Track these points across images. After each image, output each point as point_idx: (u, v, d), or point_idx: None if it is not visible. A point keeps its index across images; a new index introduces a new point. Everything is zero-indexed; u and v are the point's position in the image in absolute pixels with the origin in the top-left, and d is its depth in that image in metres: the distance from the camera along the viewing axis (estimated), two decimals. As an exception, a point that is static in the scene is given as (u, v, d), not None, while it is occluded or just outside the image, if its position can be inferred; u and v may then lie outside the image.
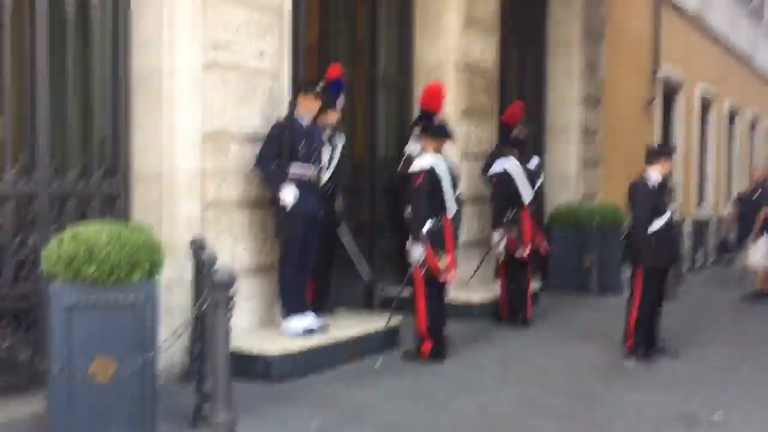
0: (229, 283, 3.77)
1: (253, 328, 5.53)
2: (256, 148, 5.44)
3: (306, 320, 5.56)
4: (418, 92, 7.19)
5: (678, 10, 14.29)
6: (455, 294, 7.37)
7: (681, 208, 13.38)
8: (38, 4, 4.59)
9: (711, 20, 16.08)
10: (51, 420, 3.77)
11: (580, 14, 10.35)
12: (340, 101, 6.36)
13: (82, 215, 4.80)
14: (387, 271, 7.66)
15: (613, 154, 11.30)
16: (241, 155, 5.43)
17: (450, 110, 7.38)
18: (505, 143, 7.78)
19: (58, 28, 4.75)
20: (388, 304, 6.57)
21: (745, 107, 19.20)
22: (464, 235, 7.77)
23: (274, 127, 5.45)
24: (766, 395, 5.30)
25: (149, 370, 3.88)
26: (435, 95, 6.13)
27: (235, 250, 5.38)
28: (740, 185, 18.65)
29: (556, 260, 9.20)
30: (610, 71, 11.26)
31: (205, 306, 3.88)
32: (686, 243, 11.47)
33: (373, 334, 5.94)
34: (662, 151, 6.50)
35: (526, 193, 7.36)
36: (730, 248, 11.58)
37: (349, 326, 5.94)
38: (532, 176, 7.50)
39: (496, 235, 7.41)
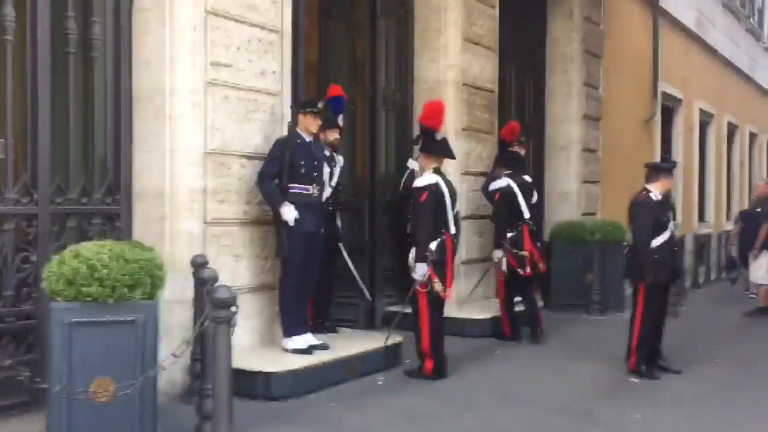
0: (230, 301, 3.78)
1: (254, 346, 5.52)
2: (257, 167, 5.47)
3: (306, 339, 5.56)
4: (418, 110, 7.23)
5: (677, 27, 14.40)
6: (456, 312, 7.37)
7: (682, 225, 13.39)
8: (40, 23, 4.64)
9: (710, 38, 16.20)
10: (51, 439, 3.76)
11: (578, 32, 10.44)
12: (341, 120, 6.41)
13: (84, 234, 4.82)
14: (387, 289, 7.66)
15: (613, 171, 11.33)
16: (242, 174, 5.46)
17: (449, 128, 7.43)
18: (500, 160, 7.82)
19: (59, 48, 4.79)
20: (389, 323, 6.57)
21: (744, 124, 19.28)
22: (464, 253, 7.78)
23: (275, 146, 5.49)
24: (769, 413, 5.29)
25: (150, 389, 3.88)
26: (435, 113, 6.17)
27: (236, 268, 5.39)
28: (740, 201, 18.69)
29: (557, 277, 9.19)
30: (609, 89, 11.33)
31: (206, 324, 3.88)
32: (688, 259, 11.47)
33: (374, 352, 5.93)
34: (662, 167, 6.53)
35: (526, 210, 7.41)
36: (737, 265, 11.59)
37: (349, 345, 5.93)
38: (528, 193, 7.53)
39: (498, 253, 7.42)
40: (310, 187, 5.53)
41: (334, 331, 6.33)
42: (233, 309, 3.78)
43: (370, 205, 7.63)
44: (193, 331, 4.26)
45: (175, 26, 5.08)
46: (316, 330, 5.90)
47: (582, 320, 8.75)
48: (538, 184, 10.02)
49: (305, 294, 5.65)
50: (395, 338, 6.15)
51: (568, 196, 10.43)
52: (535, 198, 7.74)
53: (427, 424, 4.79)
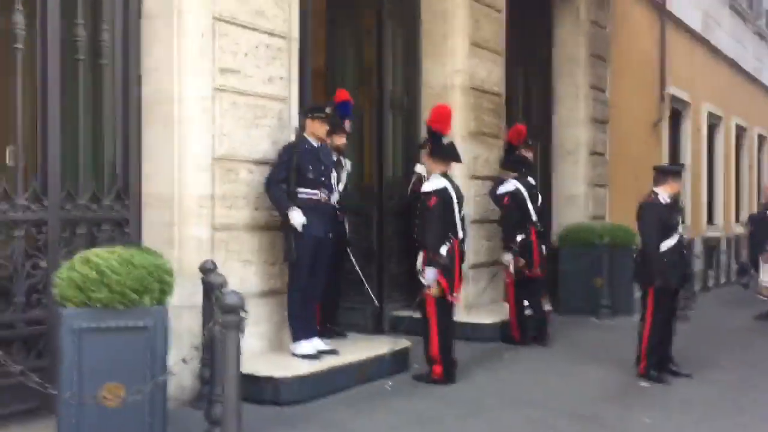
0: (238, 306, 3.78)
1: (263, 351, 5.53)
2: (266, 172, 5.48)
3: (314, 344, 5.56)
4: (425, 114, 7.24)
5: (684, 30, 14.36)
6: (465, 316, 7.36)
7: (691, 228, 13.34)
8: (50, 31, 4.67)
9: (717, 40, 16.15)
10: (61, 445, 3.77)
11: (585, 35, 10.43)
12: (348, 124, 6.42)
13: (93, 240, 4.84)
14: (395, 294, 7.66)
15: (621, 174, 11.31)
16: (251, 179, 5.47)
17: (456, 132, 7.43)
18: (506, 163, 7.82)
19: (69, 55, 4.82)
20: (397, 328, 6.57)
21: (752, 126, 19.20)
22: (472, 257, 7.78)
23: (282, 151, 5.51)
24: (780, 417, 5.26)
25: (159, 395, 3.89)
26: (443, 117, 6.17)
27: (245, 274, 5.40)
28: (749, 204, 18.59)
29: (565, 281, 9.17)
30: (616, 92, 11.31)
31: (215, 330, 3.89)
32: (697, 262, 11.42)
33: (383, 357, 5.92)
34: (670, 170, 6.52)
35: (533, 212, 7.42)
36: (748, 270, 11.55)
37: (358, 350, 5.93)
38: (534, 195, 7.54)
39: (506, 257, 7.42)
40: (318, 191, 5.54)
41: (343, 336, 6.33)
42: (242, 314, 3.78)
43: (378, 210, 7.64)
44: (202, 336, 4.26)
45: (182, 33, 5.11)
46: (324, 335, 5.91)
47: (591, 324, 8.72)
48: (546, 187, 10.04)
49: (313, 299, 5.66)
50: (404, 342, 6.14)
51: (576, 199, 10.40)
52: (540, 201, 7.75)
53: (434, 428, 4.78)
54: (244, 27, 5.44)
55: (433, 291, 5.70)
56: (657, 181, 6.20)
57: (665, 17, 13.18)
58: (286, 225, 5.43)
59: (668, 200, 6.13)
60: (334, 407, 5.12)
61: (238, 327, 3.76)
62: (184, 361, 3.87)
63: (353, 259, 6.62)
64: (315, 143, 5.60)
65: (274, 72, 5.65)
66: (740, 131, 18.40)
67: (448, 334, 5.89)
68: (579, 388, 5.86)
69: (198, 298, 4.65)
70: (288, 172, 5.41)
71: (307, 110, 5.74)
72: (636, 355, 6.17)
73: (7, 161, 4.62)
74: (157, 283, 3.91)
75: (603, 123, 10.93)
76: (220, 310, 3.82)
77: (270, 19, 5.63)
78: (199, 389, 4.82)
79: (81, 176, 4.90)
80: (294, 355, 5.50)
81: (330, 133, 5.90)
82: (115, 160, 5.13)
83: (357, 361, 5.70)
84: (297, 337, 5.52)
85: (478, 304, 7.89)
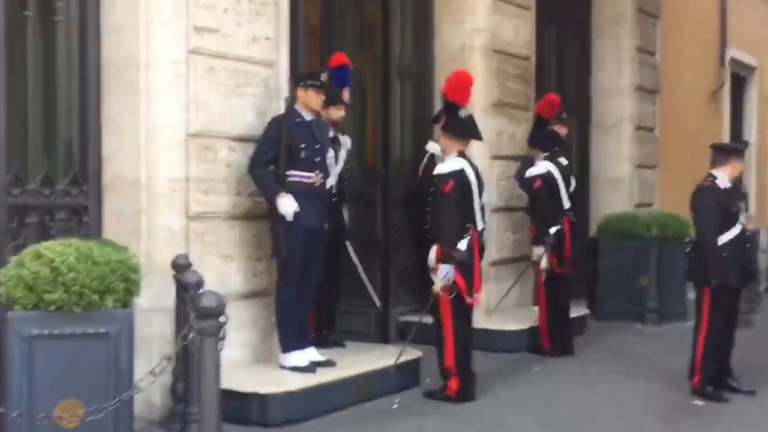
0: (217, 309, 3.81)
1: (247, 363, 5.56)
2: (249, 151, 5.50)
3: (308, 354, 5.59)
4: (439, 82, 7.23)
5: (748, -20, 14.30)
6: (486, 322, 7.39)
7: (755, 218, 13.32)
8: (-7, -16, 4.69)
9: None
10: (9, 473, 3.81)
11: (631, -13, 10.41)
12: (347, 94, 6.42)
13: (46, 231, 4.86)
14: (404, 295, 7.69)
15: (672, 153, 11.29)
16: (232, 159, 5.49)
17: (476, 103, 7.43)
18: (534, 140, 7.80)
19: (15, 11, 4.82)
20: (405, 335, 6.59)
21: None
22: (493, 252, 7.79)
23: (269, 126, 5.52)
24: None
25: (124, 414, 3.93)
26: (462, 85, 6.17)
27: (225, 271, 5.43)
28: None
29: (605, 280, 9.18)
30: (668, 55, 11.27)
31: (190, 337, 3.91)
32: (763, 259, 11.41)
33: (388, 370, 5.96)
34: (732, 149, 6.51)
35: (566, 199, 7.43)
36: None
37: (359, 361, 5.96)
38: (566, 179, 7.54)
39: (537, 251, 7.43)
40: (312, 174, 5.56)
41: (341, 345, 6.36)
42: (221, 319, 3.81)
43: (383, 196, 7.65)
44: (174, 345, 4.29)
45: (151, -15, 5.11)
46: (319, 344, 5.94)
47: (635, 331, 8.74)
48: (583, 168, 10.04)
49: (307, 301, 5.68)
50: (413, 353, 6.17)
51: (619, 183, 10.40)
52: (573, 185, 7.75)
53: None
54: (224, -23, 5.44)
55: (438, 287, 5.68)
56: (715, 162, 6.20)
57: (727, -35, 13.14)
58: (273, 213, 5.45)
59: (729, 184, 6.12)
60: (331, 429, 5.14)
61: (218, 334, 3.79)
62: (153, 373, 3.90)
63: (353, 254, 6.63)
64: (308, 116, 5.61)
65: (259, 31, 5.65)
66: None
67: (466, 342, 5.91)
68: (622, 407, 5.87)
69: (170, 300, 4.68)
70: (276, 150, 5.42)
71: (298, 77, 5.75)
72: (689, 367, 6.19)
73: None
74: (122, 282, 3.94)
75: (652, 92, 10.91)
76: (195, 314, 3.84)
77: (254, -33, 5.63)
78: (171, 407, 4.84)
79: (30, 156, 4.93)
80: (283, 367, 5.53)
81: (326, 105, 5.91)
82: (71, 137, 5.15)
83: (357, 374, 5.73)
84: (287, 346, 5.55)
85: (501, 308, 7.91)
